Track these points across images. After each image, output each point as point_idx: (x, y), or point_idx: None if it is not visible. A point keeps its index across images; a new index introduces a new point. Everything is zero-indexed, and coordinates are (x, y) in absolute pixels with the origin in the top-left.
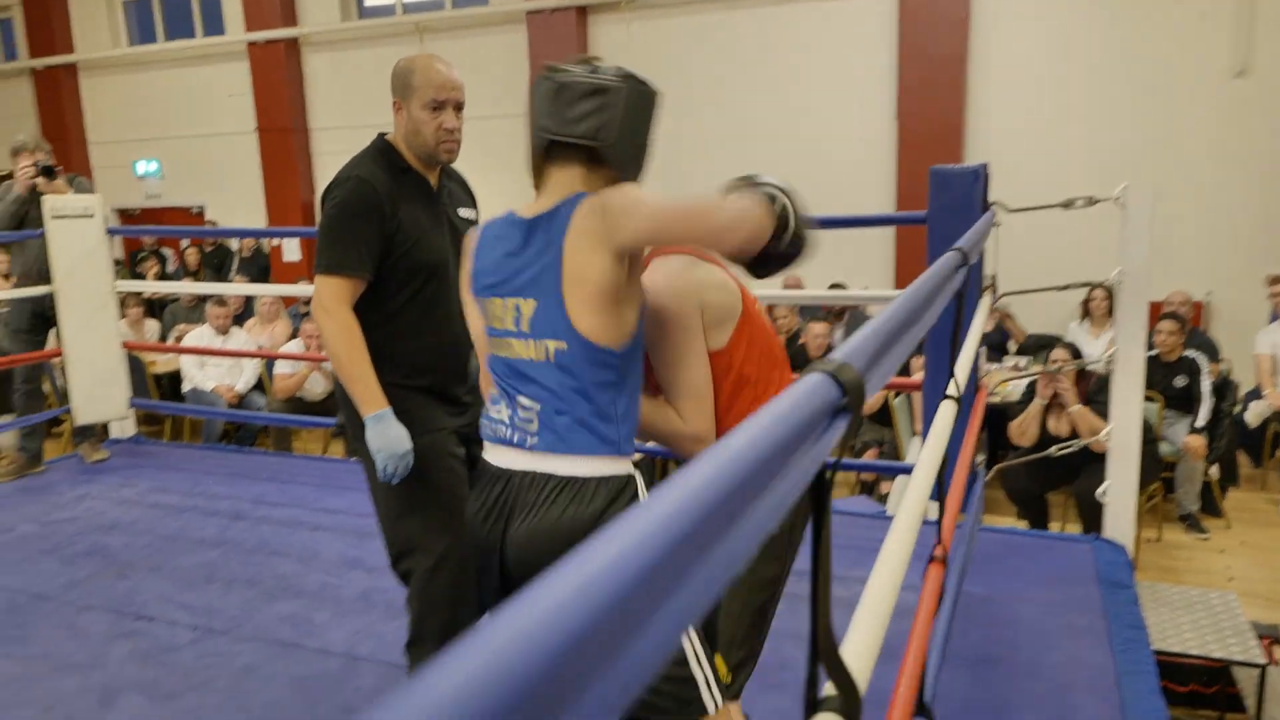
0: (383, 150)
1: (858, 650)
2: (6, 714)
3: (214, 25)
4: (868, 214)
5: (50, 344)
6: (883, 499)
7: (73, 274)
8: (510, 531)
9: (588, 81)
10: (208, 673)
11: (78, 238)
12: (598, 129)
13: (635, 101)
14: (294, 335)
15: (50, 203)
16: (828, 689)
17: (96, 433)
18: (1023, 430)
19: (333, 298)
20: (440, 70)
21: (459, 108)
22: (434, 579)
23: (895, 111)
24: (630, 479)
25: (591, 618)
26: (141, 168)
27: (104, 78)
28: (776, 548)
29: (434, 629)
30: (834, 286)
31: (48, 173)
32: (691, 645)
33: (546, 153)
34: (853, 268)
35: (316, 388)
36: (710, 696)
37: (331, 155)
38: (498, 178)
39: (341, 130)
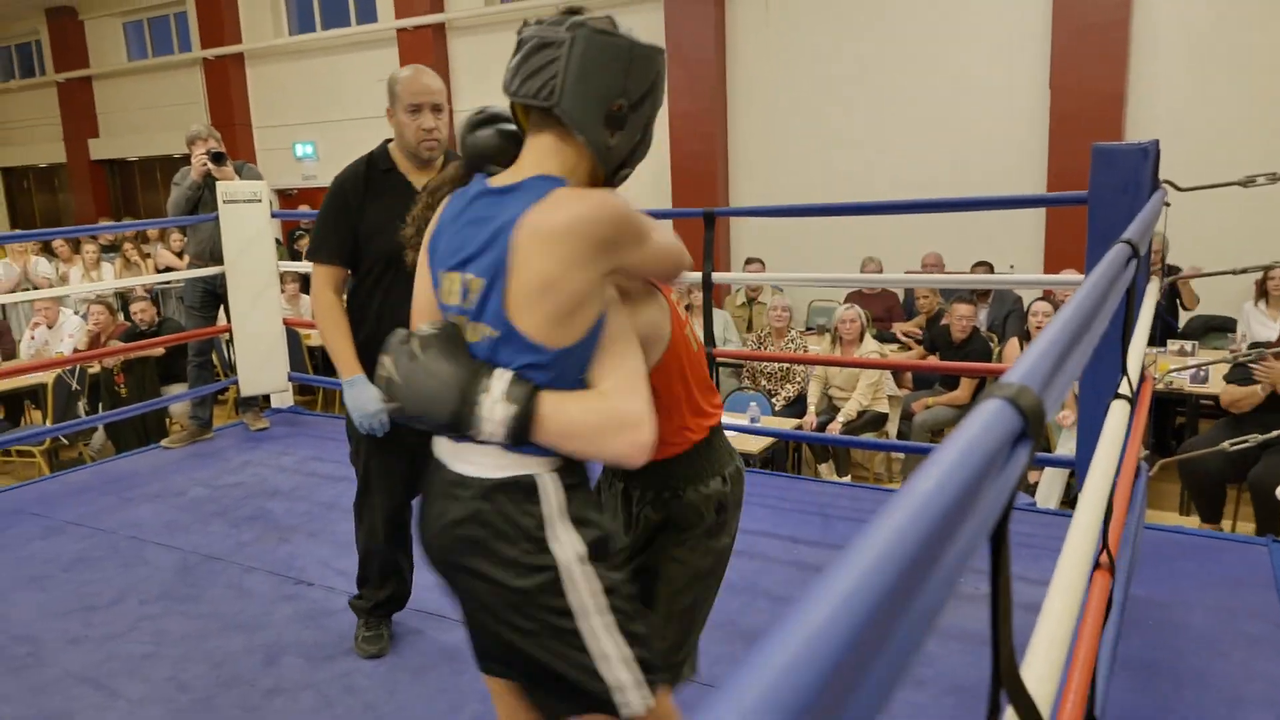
0: (373, 153)
1: (1039, 674)
2: (180, 669)
3: (367, 14)
4: (1018, 194)
5: (220, 320)
6: (1031, 489)
7: (242, 255)
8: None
9: (536, 35)
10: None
11: (247, 221)
12: (540, 87)
13: (590, 54)
14: None
15: (223, 188)
16: (1009, 715)
17: (259, 403)
18: (1233, 400)
19: (315, 281)
20: (418, 79)
21: (437, 109)
22: (359, 523)
23: (1048, 83)
24: (529, 480)
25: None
26: (300, 150)
27: (267, 66)
28: (706, 540)
29: (365, 571)
30: (979, 265)
31: (218, 159)
32: (616, 647)
33: (525, 119)
34: (999, 247)
35: None
36: (640, 695)
37: None
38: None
39: None
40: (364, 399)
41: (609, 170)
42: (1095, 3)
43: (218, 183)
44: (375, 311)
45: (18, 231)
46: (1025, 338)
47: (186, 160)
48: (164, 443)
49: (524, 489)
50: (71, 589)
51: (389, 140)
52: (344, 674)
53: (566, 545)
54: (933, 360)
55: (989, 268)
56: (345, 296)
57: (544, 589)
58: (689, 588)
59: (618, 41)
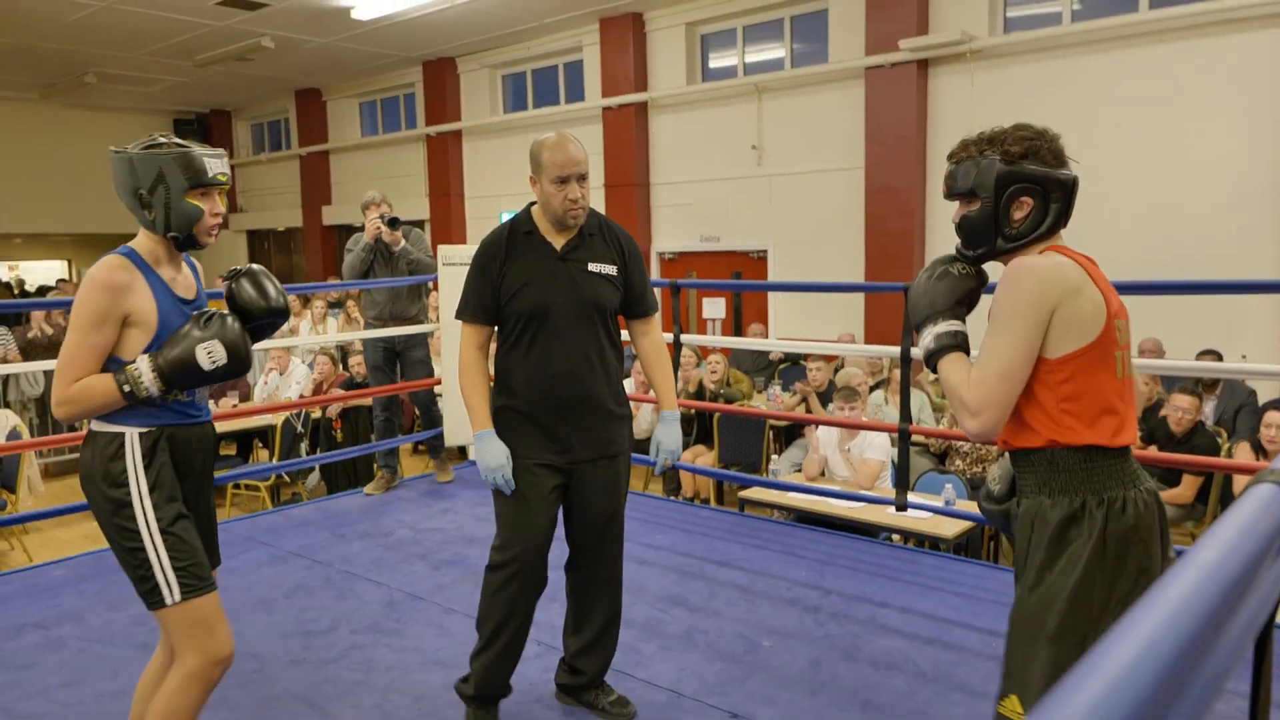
0: (517, 217)
1: None
2: (385, 698)
3: (575, 93)
4: (1252, 279)
5: (397, 378)
6: None
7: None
8: None
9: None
10: (548, 687)
11: (460, 281)
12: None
13: (123, 168)
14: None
15: (443, 252)
16: None
17: (446, 456)
18: None
19: (462, 337)
20: (564, 149)
21: (581, 179)
22: (490, 577)
23: None
24: (117, 436)
25: None
26: (505, 217)
27: (481, 141)
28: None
29: (484, 622)
30: (1205, 354)
31: (393, 224)
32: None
33: None
34: (1228, 335)
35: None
36: (166, 589)
37: (669, 208)
38: (839, 228)
39: (679, 185)
40: (489, 452)
41: (162, 234)
42: None
43: (440, 247)
44: (521, 363)
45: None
46: (1258, 449)
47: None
48: (365, 489)
49: None
50: (293, 614)
51: (533, 204)
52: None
53: None
54: (1151, 452)
55: (1217, 356)
56: (497, 350)
57: None
58: None
59: (120, 156)
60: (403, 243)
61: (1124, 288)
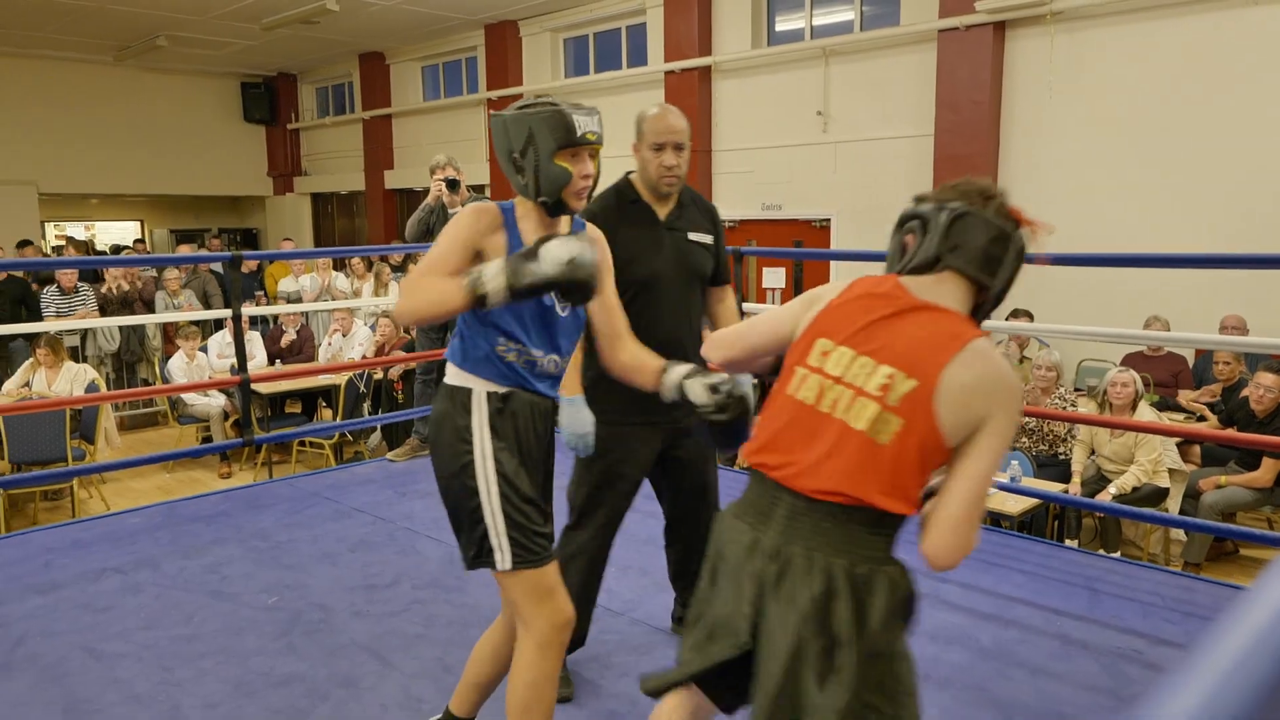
0: (619, 185)
1: None
2: (446, 651)
3: (638, 57)
4: None
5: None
6: None
7: None
8: None
9: None
10: (604, 648)
11: None
12: None
13: (499, 132)
14: None
15: None
16: None
17: None
18: None
19: None
20: (664, 119)
21: (678, 148)
22: (569, 539)
23: None
24: (465, 391)
25: None
26: None
27: None
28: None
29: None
30: None
31: (452, 186)
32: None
33: None
34: None
35: None
36: (499, 553)
37: (732, 175)
38: (906, 197)
39: (743, 152)
40: (577, 419)
41: (533, 199)
42: None
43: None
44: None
45: (323, 248)
46: None
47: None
48: (389, 455)
49: None
50: (357, 567)
51: (630, 172)
52: (587, 681)
53: None
54: (1230, 433)
55: None
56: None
57: None
58: None
59: (497, 119)
60: (459, 207)
61: (1209, 260)
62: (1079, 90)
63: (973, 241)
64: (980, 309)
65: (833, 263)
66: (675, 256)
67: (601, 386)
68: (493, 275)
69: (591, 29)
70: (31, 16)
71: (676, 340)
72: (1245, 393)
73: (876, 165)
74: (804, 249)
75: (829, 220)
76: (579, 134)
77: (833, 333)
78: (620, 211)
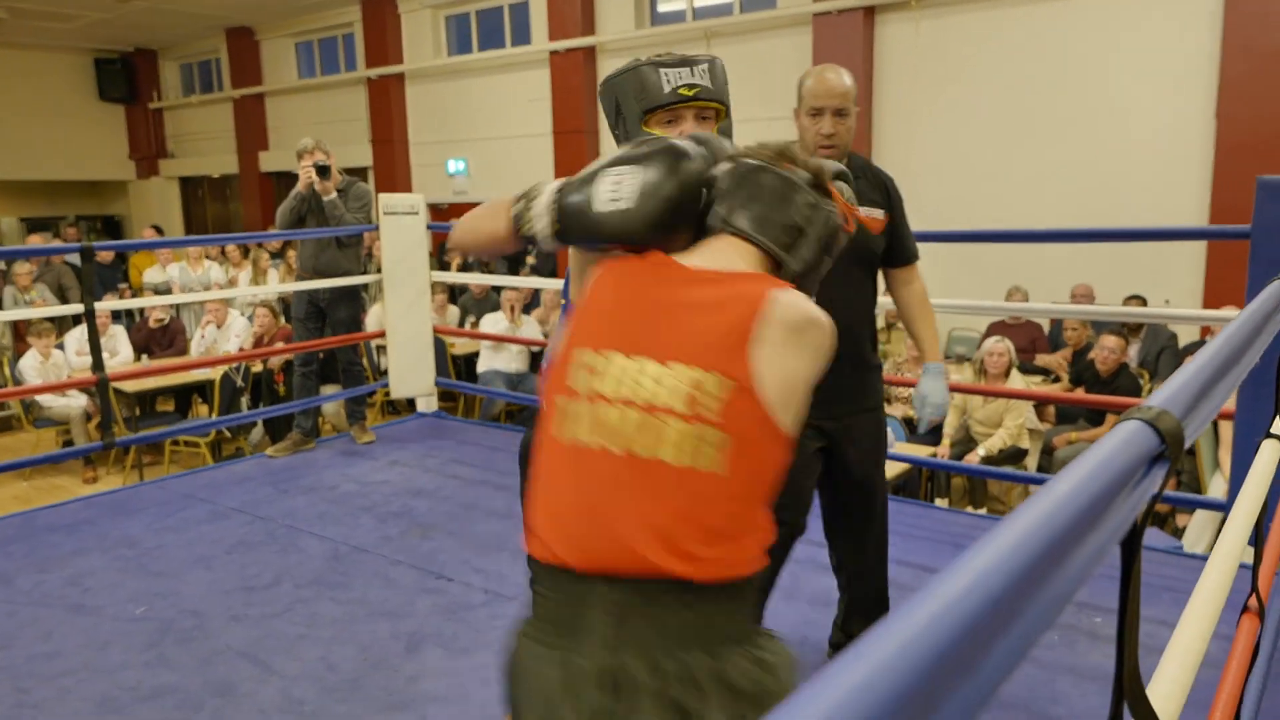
0: None
1: (1165, 692)
2: (330, 650)
3: (521, 36)
4: (1177, 226)
5: (326, 333)
6: (1177, 532)
7: (398, 264)
8: None
9: None
10: (497, 634)
11: (404, 232)
12: None
13: (603, 103)
14: None
15: (384, 201)
16: None
17: (364, 417)
18: None
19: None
20: (820, 80)
21: (839, 114)
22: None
23: (1215, 111)
24: None
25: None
26: (452, 166)
27: (425, 85)
28: None
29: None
30: (1131, 299)
31: (323, 172)
32: None
33: None
34: (1154, 281)
35: None
36: None
37: None
38: None
39: None
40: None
41: None
42: (1271, 28)
43: (382, 195)
44: None
45: (193, 236)
46: None
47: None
48: (269, 451)
49: None
50: (234, 570)
51: (793, 143)
52: (480, 666)
53: None
54: (1079, 393)
55: (1142, 302)
56: None
57: None
58: None
59: (600, 87)
60: (333, 194)
61: (1059, 235)
62: (943, 74)
63: (761, 200)
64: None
65: None
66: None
67: None
68: (540, 211)
69: (473, 6)
70: None
71: (847, 329)
72: (1092, 355)
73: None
74: None
75: None
76: (666, 91)
77: (591, 338)
78: None
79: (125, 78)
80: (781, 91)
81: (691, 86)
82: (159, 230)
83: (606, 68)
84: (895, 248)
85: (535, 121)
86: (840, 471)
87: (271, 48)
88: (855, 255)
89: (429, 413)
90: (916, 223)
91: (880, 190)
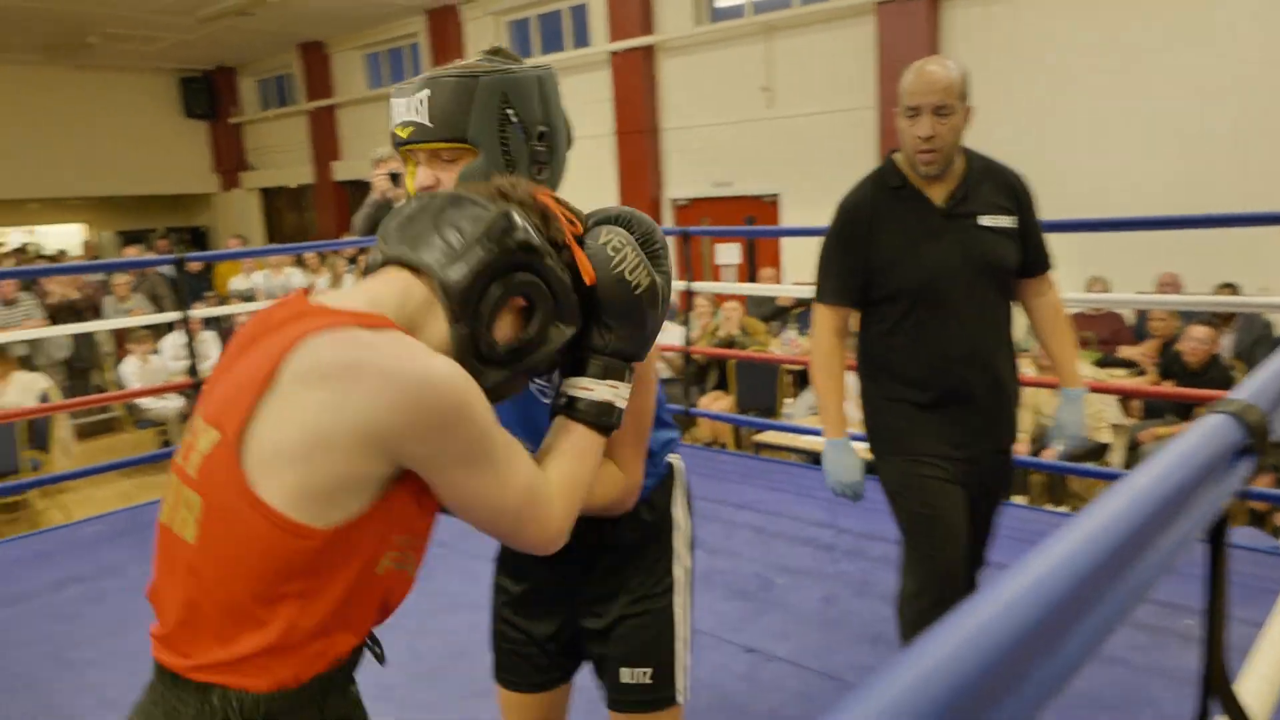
0: (881, 169)
1: (1255, 689)
2: (416, 640)
3: (582, 39)
4: (1270, 211)
5: None
6: (1277, 532)
7: None
8: None
9: None
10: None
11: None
12: None
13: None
14: None
15: None
16: None
17: None
18: None
19: (816, 323)
20: (916, 74)
21: (940, 112)
22: (910, 612)
23: None
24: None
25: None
26: None
27: None
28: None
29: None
30: (1223, 288)
31: (395, 179)
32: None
33: None
34: (1248, 269)
35: None
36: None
37: (680, 154)
38: (853, 170)
39: (690, 130)
40: (839, 464)
41: None
42: None
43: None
44: (905, 349)
45: (275, 245)
46: None
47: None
48: None
49: None
50: None
51: (895, 150)
52: None
53: None
54: (1166, 386)
55: (1234, 291)
56: (870, 334)
57: None
58: None
59: None
60: (404, 200)
61: (1144, 223)
62: (1015, 62)
63: (417, 221)
64: (463, 327)
65: (782, 238)
66: (961, 250)
67: (883, 413)
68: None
69: (534, 11)
70: None
71: (976, 356)
72: (1179, 346)
73: (822, 139)
74: (755, 226)
75: (777, 195)
76: (392, 130)
77: (197, 410)
78: (879, 202)
79: (207, 95)
80: (846, 85)
81: (406, 125)
82: (243, 240)
83: (666, 67)
84: (1027, 256)
85: (597, 123)
86: (972, 514)
87: (342, 60)
88: (983, 269)
89: None
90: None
91: (1006, 193)
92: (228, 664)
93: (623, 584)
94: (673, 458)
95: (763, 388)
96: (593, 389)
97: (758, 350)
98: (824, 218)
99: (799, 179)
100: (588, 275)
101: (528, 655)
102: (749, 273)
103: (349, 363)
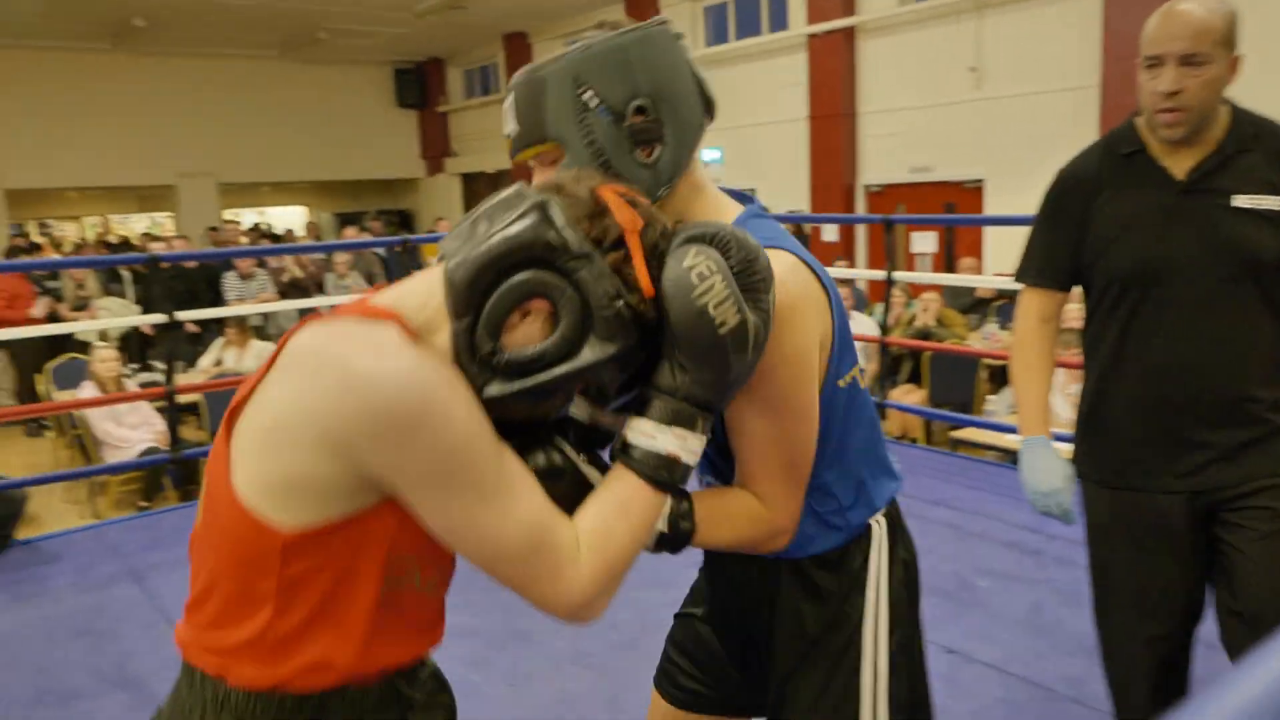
0: (1116, 132)
1: None
2: (613, 611)
3: (779, 22)
4: None
5: None
6: None
7: None
8: None
9: None
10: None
11: None
12: None
13: None
14: None
15: None
16: None
17: None
18: None
19: (1019, 305)
20: (1159, 18)
21: (1189, 61)
22: (1109, 670)
23: None
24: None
25: None
26: (706, 155)
27: None
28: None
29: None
30: None
31: None
32: None
33: None
34: None
35: None
36: None
37: (876, 139)
38: (1067, 153)
39: (890, 113)
40: (1038, 470)
41: None
42: None
43: None
44: (1109, 349)
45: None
46: None
47: None
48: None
49: None
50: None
51: (1137, 114)
52: None
53: None
54: None
55: None
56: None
57: None
58: None
59: None
60: None
61: None
62: (1263, 36)
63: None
64: (461, 325)
65: (986, 228)
66: (1200, 235)
67: (1092, 424)
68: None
69: None
70: (206, 18)
71: (1200, 365)
72: None
73: (1033, 122)
74: (957, 215)
75: (981, 181)
76: None
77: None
78: (1105, 171)
79: (418, 85)
80: (1065, 63)
81: (508, 137)
82: (447, 221)
83: (867, 48)
84: None
85: (790, 107)
86: (1224, 586)
87: (543, 49)
88: (1229, 262)
89: None
90: None
91: (1277, 164)
92: (214, 650)
93: (788, 678)
94: (877, 519)
95: (959, 382)
96: (654, 436)
97: (955, 343)
98: (1033, 205)
99: (1007, 164)
100: (645, 286)
101: (681, 667)
102: (945, 262)
103: (314, 351)
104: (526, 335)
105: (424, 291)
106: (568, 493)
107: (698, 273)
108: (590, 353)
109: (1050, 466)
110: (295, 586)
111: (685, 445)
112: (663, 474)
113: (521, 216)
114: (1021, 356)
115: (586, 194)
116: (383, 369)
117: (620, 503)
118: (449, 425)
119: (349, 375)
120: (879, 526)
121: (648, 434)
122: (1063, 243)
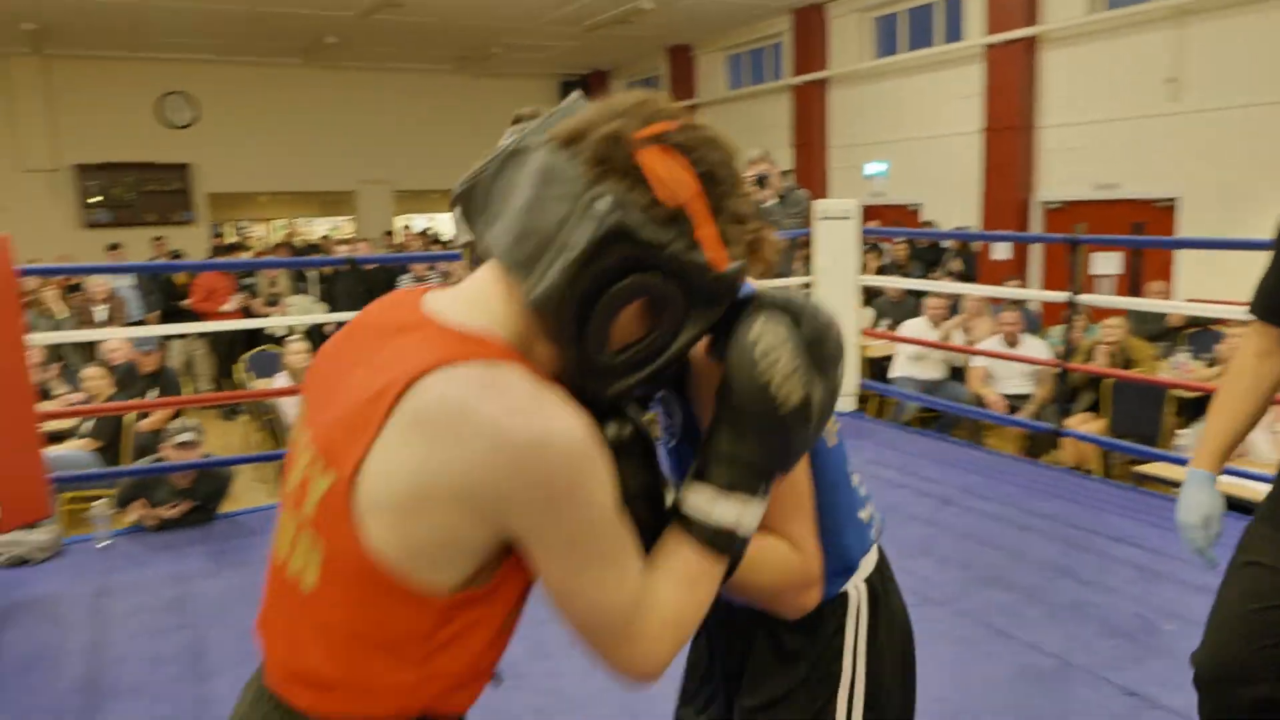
0: None
1: None
2: None
3: (954, 33)
4: None
5: None
6: None
7: (830, 267)
8: None
9: None
10: (931, 640)
11: (837, 236)
12: None
13: None
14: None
15: (820, 206)
16: None
17: None
18: None
19: (1242, 338)
20: None
21: None
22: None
23: None
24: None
25: None
26: (870, 169)
27: (848, 89)
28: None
29: None
30: None
31: (761, 182)
32: None
33: None
34: None
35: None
36: None
37: (1056, 153)
38: (1275, 172)
39: (1072, 127)
40: (1190, 505)
41: None
42: None
43: (818, 201)
44: None
45: None
46: None
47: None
48: None
49: None
50: None
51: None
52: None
53: None
54: None
55: None
56: None
57: None
58: None
59: None
60: (769, 202)
61: None
62: None
63: (510, 199)
64: (559, 341)
65: (1178, 250)
66: None
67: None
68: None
69: (904, 5)
70: (388, 36)
71: None
72: None
73: (1238, 137)
74: (1147, 237)
75: (1174, 200)
76: None
77: (306, 413)
78: None
79: (584, 97)
80: (1274, 72)
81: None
82: None
83: (1049, 58)
84: None
85: (963, 119)
86: None
87: (705, 61)
88: None
89: (846, 412)
90: None
91: None
92: (341, 703)
93: None
94: (855, 585)
95: (1145, 414)
96: (714, 502)
97: (1143, 372)
98: (1233, 226)
99: (1205, 182)
100: (718, 258)
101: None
102: (1130, 285)
103: (456, 411)
104: (629, 326)
105: (503, 304)
106: (638, 466)
107: (760, 350)
108: (695, 324)
109: (1199, 502)
110: (438, 651)
111: (745, 511)
112: (722, 541)
113: (585, 219)
114: (1226, 388)
115: (631, 165)
116: (542, 432)
117: (689, 578)
118: (594, 496)
119: (503, 438)
120: (857, 593)
121: (707, 501)
122: None
